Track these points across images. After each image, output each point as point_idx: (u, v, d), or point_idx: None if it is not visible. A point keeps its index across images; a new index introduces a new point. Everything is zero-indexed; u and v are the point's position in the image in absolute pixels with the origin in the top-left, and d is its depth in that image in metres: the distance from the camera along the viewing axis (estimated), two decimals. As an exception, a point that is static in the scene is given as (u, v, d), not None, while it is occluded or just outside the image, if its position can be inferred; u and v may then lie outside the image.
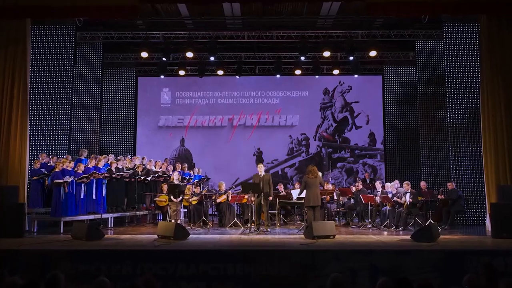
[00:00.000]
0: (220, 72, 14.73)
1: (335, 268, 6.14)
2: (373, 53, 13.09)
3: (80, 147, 12.14)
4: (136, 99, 15.99)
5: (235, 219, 10.68)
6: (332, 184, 13.23)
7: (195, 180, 12.12)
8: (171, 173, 11.74)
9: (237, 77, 15.37)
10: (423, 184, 11.01)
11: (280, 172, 16.03)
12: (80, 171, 9.76)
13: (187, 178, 11.92)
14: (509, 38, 9.44)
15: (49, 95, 11.79)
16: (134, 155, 13.75)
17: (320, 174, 9.69)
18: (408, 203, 9.86)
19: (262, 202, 9.37)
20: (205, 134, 16.23)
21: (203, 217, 10.57)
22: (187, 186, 11.00)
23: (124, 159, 11.63)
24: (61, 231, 9.03)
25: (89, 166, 10.17)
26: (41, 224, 9.84)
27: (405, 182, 10.28)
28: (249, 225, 9.58)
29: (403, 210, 9.89)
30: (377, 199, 10.42)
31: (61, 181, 9.26)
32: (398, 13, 9.88)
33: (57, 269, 5.52)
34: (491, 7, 9.42)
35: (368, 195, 10.75)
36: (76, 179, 9.55)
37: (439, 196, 10.74)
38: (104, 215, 10.14)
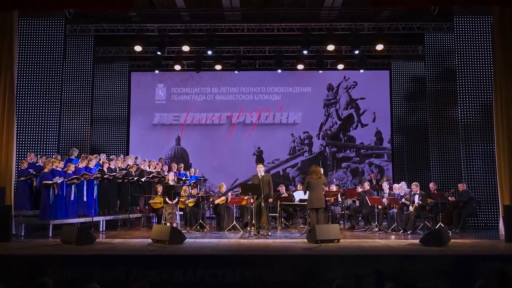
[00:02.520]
0: (218, 67, 14.72)
1: (340, 274, 6.17)
2: (379, 47, 13.08)
3: (70, 146, 12.16)
4: (129, 96, 15.99)
5: (234, 222, 10.70)
6: (337, 185, 13.24)
7: (192, 181, 12.13)
8: (166, 173, 11.75)
9: (236, 72, 15.35)
10: (432, 185, 11.00)
11: (281, 173, 16.03)
12: (70, 172, 9.77)
13: (183, 179, 11.92)
14: (523, 31, 9.45)
15: (37, 91, 11.78)
16: (127, 154, 13.75)
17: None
18: (416, 205, 9.86)
19: (262, 204, 9.38)
20: (202, 132, 16.23)
21: (200, 220, 10.57)
22: (183, 188, 11.00)
23: (117, 158, 11.63)
24: (50, 235, 9.04)
25: (79, 166, 10.17)
26: (29, 228, 9.84)
27: (413, 183, 10.28)
28: (248, 228, 9.59)
29: (412, 212, 9.90)
30: (384, 201, 10.42)
31: (50, 182, 9.27)
32: (406, 4, 9.87)
33: (45, 276, 5.53)
34: (505, -2, 9.43)
35: (375, 197, 10.75)
36: (66, 180, 9.55)
37: (449, 198, 10.74)
38: (96, 218, 10.15)
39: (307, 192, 9.02)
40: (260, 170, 9.63)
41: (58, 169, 9.58)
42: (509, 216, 8.52)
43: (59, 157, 10.37)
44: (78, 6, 9.96)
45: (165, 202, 10.40)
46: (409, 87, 15.47)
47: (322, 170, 9.22)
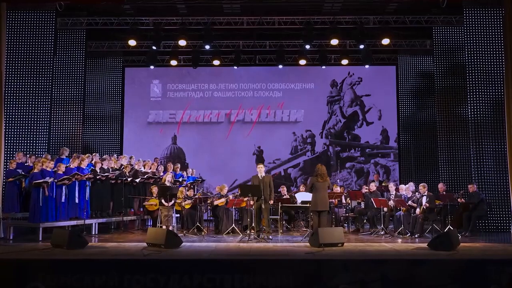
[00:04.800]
0: (216, 62, 14.70)
1: (344, 280, 6.15)
2: (386, 41, 13.07)
3: (61, 145, 12.15)
4: (123, 92, 15.99)
5: (233, 225, 10.69)
6: (341, 186, 13.23)
7: (189, 182, 12.12)
8: (161, 174, 11.74)
9: (235, 67, 15.34)
10: (441, 186, 11.00)
11: (282, 173, 16.03)
12: (61, 172, 9.75)
13: (180, 179, 11.91)
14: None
15: (26, 87, 11.79)
16: (121, 154, 13.74)
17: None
18: (424, 207, 9.85)
19: (263, 206, 9.37)
20: (200, 130, 16.23)
21: (198, 223, 10.57)
22: (180, 189, 11.00)
23: (110, 158, 11.61)
24: (40, 238, 9.03)
25: (71, 166, 10.16)
26: (18, 231, 9.84)
27: (421, 184, 10.27)
28: (248, 231, 9.58)
29: (419, 215, 9.89)
30: (390, 203, 10.41)
31: (40, 181, 9.24)
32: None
33: (35, 281, 5.52)
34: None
35: (380, 198, 10.74)
36: (56, 180, 9.53)
37: (459, 200, 10.74)
38: (88, 221, 10.14)
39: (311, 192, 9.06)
40: (261, 170, 9.62)
41: (48, 169, 9.55)
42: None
43: (49, 156, 10.33)
44: (69, -2, 9.95)
45: (160, 204, 10.38)
46: (416, 83, 15.47)
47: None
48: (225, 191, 11.36)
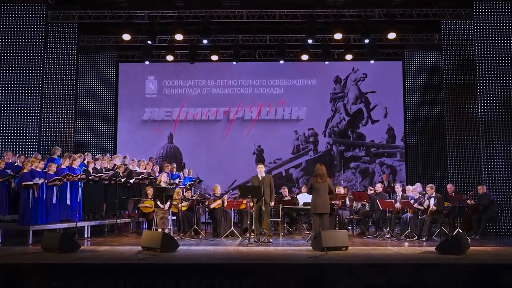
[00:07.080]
0: (214, 57, 14.71)
1: (348, 285, 6.15)
2: (392, 35, 13.07)
3: (52, 145, 12.15)
4: (116, 89, 15.99)
5: (232, 228, 10.69)
6: (345, 187, 13.22)
7: (186, 183, 12.12)
8: (157, 174, 11.74)
9: (234, 63, 15.35)
10: (450, 187, 11.01)
11: (284, 174, 16.03)
12: (51, 172, 9.74)
13: (176, 180, 11.91)
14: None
15: (16, 84, 11.80)
16: (115, 153, 13.75)
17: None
18: (432, 209, 9.85)
19: (263, 208, 9.37)
20: (197, 129, 16.23)
21: (195, 226, 10.56)
22: (176, 190, 10.99)
23: (103, 158, 11.62)
24: (30, 241, 9.02)
25: (62, 166, 10.15)
26: (7, 234, 9.82)
27: (428, 185, 10.28)
28: (248, 234, 9.58)
29: (427, 217, 9.89)
30: (397, 204, 10.41)
31: (30, 182, 9.24)
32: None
33: (25, 286, 5.52)
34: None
35: (386, 200, 10.74)
36: (47, 181, 9.53)
37: (468, 201, 10.74)
38: (80, 224, 10.13)
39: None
40: (261, 170, 9.62)
41: (38, 169, 9.54)
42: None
43: (39, 156, 10.35)
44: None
45: (156, 206, 10.38)
46: (424, 79, 15.47)
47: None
48: (218, 191, 11.29)
